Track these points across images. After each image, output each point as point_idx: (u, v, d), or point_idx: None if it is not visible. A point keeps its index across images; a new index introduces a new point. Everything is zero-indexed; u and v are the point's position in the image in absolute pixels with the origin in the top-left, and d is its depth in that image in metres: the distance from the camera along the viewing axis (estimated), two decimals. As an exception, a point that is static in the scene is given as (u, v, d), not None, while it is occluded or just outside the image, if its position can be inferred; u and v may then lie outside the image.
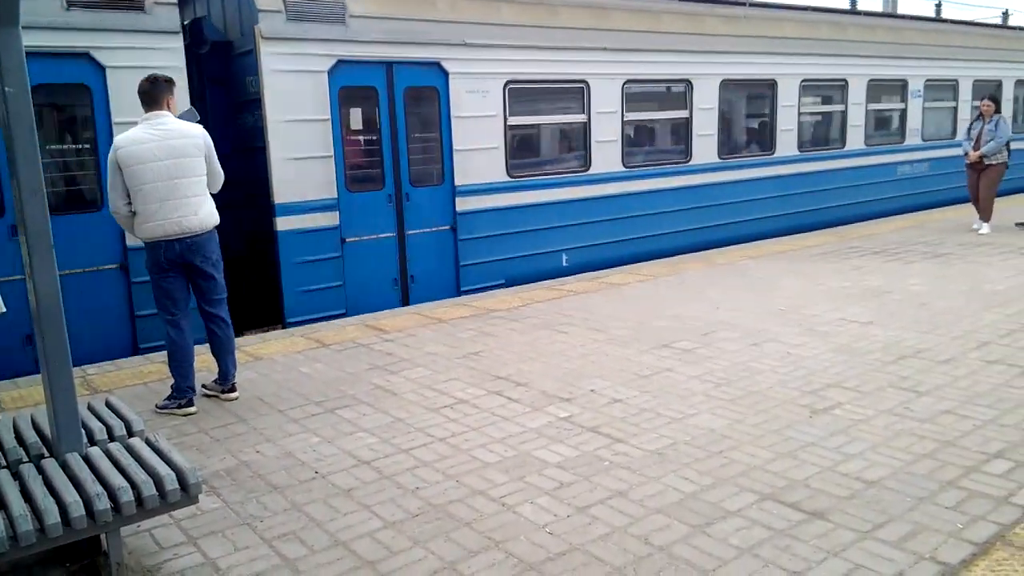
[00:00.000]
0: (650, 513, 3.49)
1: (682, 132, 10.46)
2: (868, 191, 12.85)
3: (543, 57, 8.88)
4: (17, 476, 3.01)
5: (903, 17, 14.50)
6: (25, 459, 3.20)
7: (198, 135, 4.93)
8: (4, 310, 4.28)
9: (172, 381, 5.09)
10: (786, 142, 11.53)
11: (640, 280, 8.63)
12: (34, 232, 3.03)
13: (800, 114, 11.66)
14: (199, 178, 4.93)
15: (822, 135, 12.50)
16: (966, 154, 10.84)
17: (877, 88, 12.76)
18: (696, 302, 7.47)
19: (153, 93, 4.88)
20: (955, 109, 14.20)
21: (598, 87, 9.35)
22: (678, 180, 10.37)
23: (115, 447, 3.22)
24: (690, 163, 10.50)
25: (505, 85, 8.58)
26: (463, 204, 8.44)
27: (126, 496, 2.88)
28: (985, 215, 10.94)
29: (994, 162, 10.68)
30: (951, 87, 14.08)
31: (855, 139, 12.51)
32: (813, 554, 3.12)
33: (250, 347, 6.47)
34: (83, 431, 3.28)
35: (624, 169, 9.78)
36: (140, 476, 2.97)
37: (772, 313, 6.95)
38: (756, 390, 5.02)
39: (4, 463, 3.16)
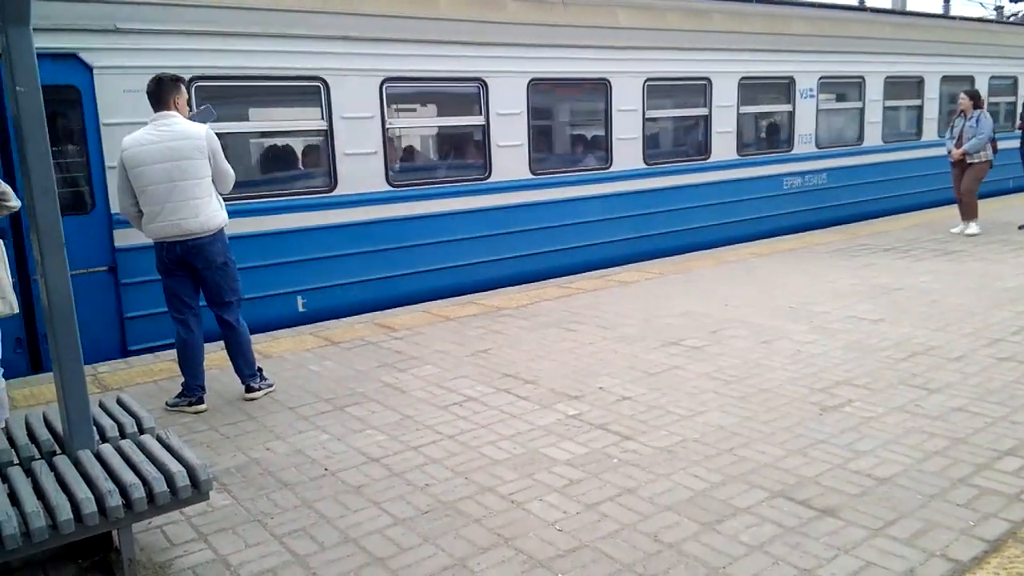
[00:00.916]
0: (660, 510, 3.49)
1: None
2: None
3: (254, 47, 6.84)
4: (30, 473, 3.03)
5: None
6: (37, 456, 3.22)
7: (200, 136, 4.83)
8: (16, 311, 4.31)
9: (182, 379, 5.12)
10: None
11: (648, 278, 8.62)
12: (46, 231, 3.05)
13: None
14: (201, 180, 4.84)
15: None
16: (949, 152, 10.55)
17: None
18: (705, 299, 7.45)
19: (158, 93, 4.84)
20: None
21: (338, 84, 7.29)
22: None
23: (127, 444, 3.24)
24: (489, 180, 8.44)
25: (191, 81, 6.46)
26: (124, 238, 6.26)
27: (138, 493, 2.90)
28: (968, 214, 10.61)
29: (977, 160, 10.36)
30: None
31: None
32: (824, 551, 3.11)
33: (260, 345, 6.49)
34: (95, 428, 3.29)
35: (390, 188, 7.76)
36: (152, 473, 2.99)
37: (781, 310, 6.93)
38: (766, 387, 5.01)
39: (17, 460, 3.18)
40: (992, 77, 14.47)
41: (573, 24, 8.86)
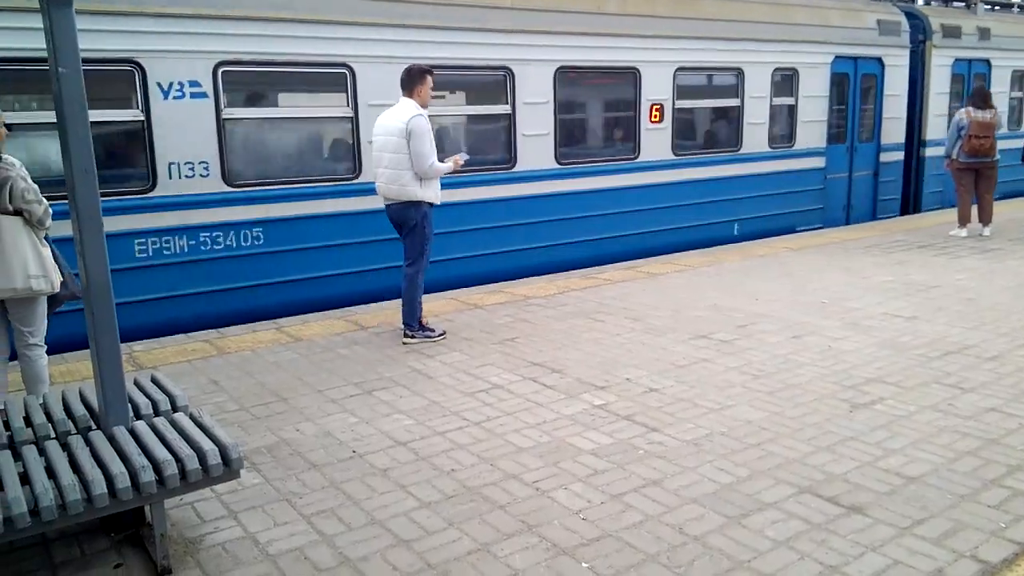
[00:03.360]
0: (685, 503, 3.48)
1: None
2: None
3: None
4: (66, 447, 3.10)
5: None
6: (74, 431, 3.30)
7: (404, 121, 5.66)
8: (56, 289, 4.38)
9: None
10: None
11: (678, 270, 8.57)
12: (85, 211, 3.10)
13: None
14: (399, 155, 5.70)
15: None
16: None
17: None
18: (734, 293, 7.39)
19: (405, 80, 5.83)
20: None
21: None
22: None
23: (160, 422, 3.30)
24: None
25: None
26: None
27: (170, 469, 2.95)
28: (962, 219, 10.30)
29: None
30: None
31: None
32: (850, 548, 3.09)
33: (291, 328, 6.57)
34: (129, 405, 3.36)
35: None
36: (184, 450, 3.04)
37: (813, 306, 6.85)
38: (796, 383, 4.96)
39: (53, 434, 3.26)
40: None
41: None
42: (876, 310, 6.65)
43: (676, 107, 9.69)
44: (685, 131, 10.12)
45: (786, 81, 10.78)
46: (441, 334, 6.12)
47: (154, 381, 3.78)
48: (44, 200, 4.30)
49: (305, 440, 4.29)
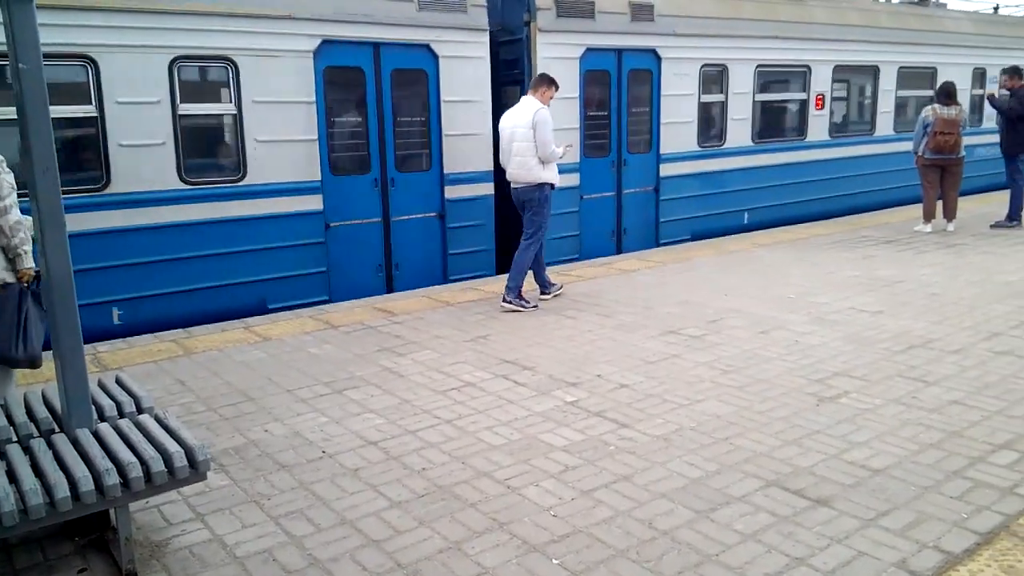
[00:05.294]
0: (654, 498, 3.51)
1: None
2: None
3: None
4: (28, 451, 3.04)
5: None
6: (36, 434, 3.24)
7: (529, 114, 6.79)
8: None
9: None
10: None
11: (649, 267, 8.62)
12: (47, 209, 3.04)
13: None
14: (525, 144, 6.81)
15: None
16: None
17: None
18: (705, 289, 7.45)
19: (534, 82, 7.04)
20: None
21: None
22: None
23: (125, 423, 3.25)
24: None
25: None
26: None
27: (135, 472, 2.91)
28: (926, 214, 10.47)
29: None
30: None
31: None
32: (816, 541, 3.13)
33: (260, 327, 6.51)
34: (93, 407, 3.31)
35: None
36: (149, 452, 3.00)
37: (781, 301, 6.93)
38: (763, 378, 5.02)
39: (15, 438, 3.20)
40: None
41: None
42: (842, 305, 6.75)
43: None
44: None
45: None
46: (533, 306, 6.96)
47: (119, 382, 3.72)
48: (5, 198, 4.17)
49: (274, 441, 4.25)
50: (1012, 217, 10.51)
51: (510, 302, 6.89)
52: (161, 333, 6.39)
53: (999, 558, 2.98)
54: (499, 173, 7.86)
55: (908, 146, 10.94)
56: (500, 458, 3.96)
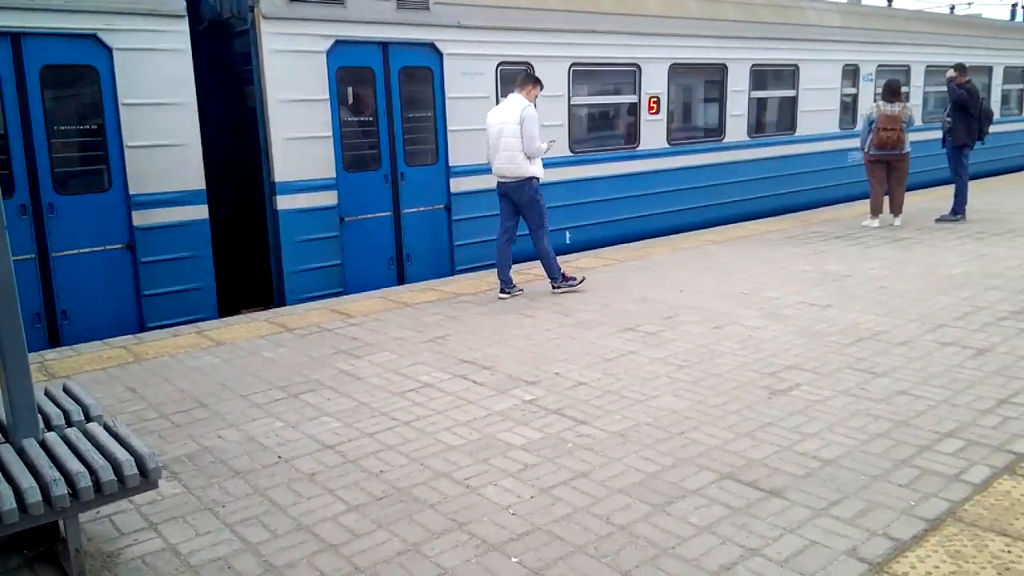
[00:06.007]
0: (612, 493, 3.54)
1: None
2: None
3: None
4: (-29, 463, 2.96)
5: None
6: (-21, 446, 3.15)
7: (517, 111, 7.08)
8: None
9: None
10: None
11: (606, 264, 8.68)
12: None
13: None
14: (513, 139, 7.09)
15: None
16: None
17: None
18: (661, 286, 7.53)
19: (520, 81, 7.32)
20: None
21: None
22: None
23: (72, 432, 3.18)
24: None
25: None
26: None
27: (84, 481, 2.85)
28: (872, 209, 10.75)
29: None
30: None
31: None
32: (769, 531, 3.19)
33: (212, 332, 6.41)
34: (40, 416, 3.22)
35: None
36: (98, 461, 2.94)
37: (734, 296, 7.04)
38: (717, 372, 5.09)
39: (-43, 450, 3.10)
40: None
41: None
42: (793, 299, 6.88)
43: None
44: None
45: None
46: (581, 280, 7.54)
47: (66, 390, 3.63)
48: None
49: (228, 447, 4.19)
50: (956, 211, 10.82)
51: (560, 288, 7.43)
52: (110, 340, 6.26)
53: (946, 544, 3.07)
54: (248, 188, 7.77)
55: (769, 152, 12.10)
56: (459, 458, 3.96)
